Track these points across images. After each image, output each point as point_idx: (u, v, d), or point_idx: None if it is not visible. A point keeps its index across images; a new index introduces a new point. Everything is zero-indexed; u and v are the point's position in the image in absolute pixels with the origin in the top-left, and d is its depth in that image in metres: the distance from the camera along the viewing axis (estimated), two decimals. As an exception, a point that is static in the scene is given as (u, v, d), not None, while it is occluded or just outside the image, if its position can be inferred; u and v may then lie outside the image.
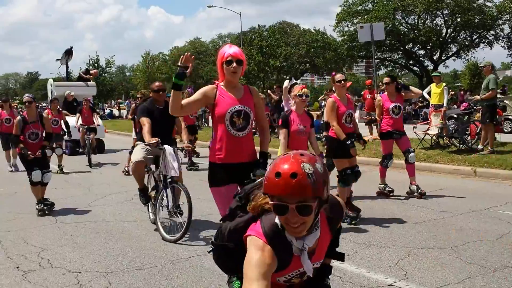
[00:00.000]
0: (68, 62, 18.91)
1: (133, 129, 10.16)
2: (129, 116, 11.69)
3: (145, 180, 6.50)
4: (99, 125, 14.47)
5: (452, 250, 5.07)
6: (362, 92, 20.72)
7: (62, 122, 12.68)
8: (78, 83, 17.79)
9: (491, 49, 38.99)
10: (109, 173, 11.86)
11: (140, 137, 6.31)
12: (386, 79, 8.13)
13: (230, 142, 3.91)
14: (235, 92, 3.96)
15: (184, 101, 3.91)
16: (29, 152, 7.42)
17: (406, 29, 38.94)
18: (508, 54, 36.83)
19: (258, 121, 4.19)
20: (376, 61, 27.22)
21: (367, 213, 6.84)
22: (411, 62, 42.21)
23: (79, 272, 4.76)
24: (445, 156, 10.70)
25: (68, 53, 18.50)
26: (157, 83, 6.44)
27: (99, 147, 15.24)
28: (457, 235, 5.61)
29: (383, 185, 8.04)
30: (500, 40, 37.22)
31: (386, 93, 8.08)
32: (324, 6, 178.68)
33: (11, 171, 12.55)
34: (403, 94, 8.04)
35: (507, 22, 35.93)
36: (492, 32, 37.51)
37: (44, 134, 7.88)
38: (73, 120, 14.08)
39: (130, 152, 9.47)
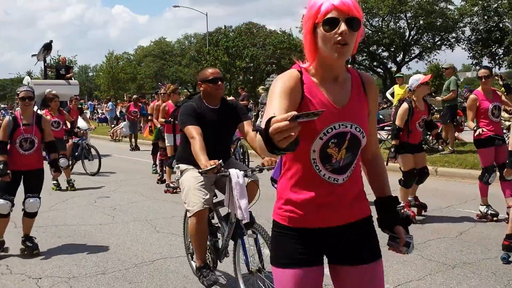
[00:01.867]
0: (46, 58, 17.16)
1: (167, 134, 8.87)
2: (154, 123, 9.88)
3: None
4: (92, 128, 13.01)
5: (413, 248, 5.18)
6: None
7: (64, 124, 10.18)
8: (59, 81, 15.91)
9: (452, 51, 40.09)
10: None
11: (186, 156, 4.01)
12: (483, 72, 6.45)
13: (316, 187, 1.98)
14: (336, 90, 1.98)
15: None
16: (8, 171, 5.24)
17: (370, 31, 39.61)
18: (469, 56, 37.92)
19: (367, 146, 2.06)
20: (341, 62, 27.62)
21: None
22: (375, 63, 43.00)
23: (40, 278, 4.65)
24: (408, 156, 10.94)
25: (47, 47, 16.60)
26: (210, 70, 4.14)
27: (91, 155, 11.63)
28: (418, 233, 5.74)
29: (485, 207, 6.39)
30: (461, 43, 38.29)
31: (480, 90, 6.47)
32: (291, 8, 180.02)
33: None
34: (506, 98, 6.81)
35: (468, 25, 37.00)
36: (453, 34, 38.56)
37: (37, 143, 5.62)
38: None
39: (169, 165, 8.64)
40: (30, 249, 5.46)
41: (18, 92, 5.48)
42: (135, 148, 17.25)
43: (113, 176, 11.08)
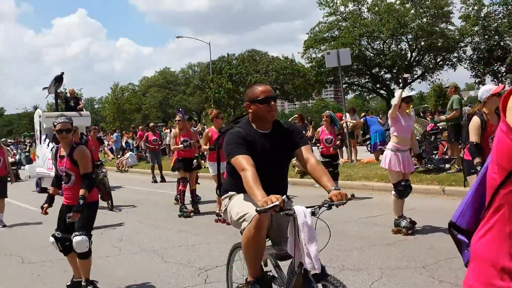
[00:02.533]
0: (58, 91, 16.59)
1: (210, 162, 8.60)
2: (175, 146, 9.40)
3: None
4: (111, 158, 12.73)
5: (424, 270, 5.11)
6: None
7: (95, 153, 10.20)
8: (70, 113, 15.18)
9: (454, 70, 40.21)
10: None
11: (235, 189, 3.52)
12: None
13: None
14: None
15: None
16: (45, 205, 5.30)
17: (372, 54, 39.91)
18: (471, 75, 38.01)
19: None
20: (344, 85, 27.73)
21: (339, 236, 6.85)
22: (378, 85, 43.16)
23: (47, 312, 4.59)
24: (414, 176, 10.84)
25: (58, 80, 16.14)
26: (260, 87, 3.46)
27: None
28: (428, 254, 5.66)
29: None
30: (463, 62, 38.45)
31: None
32: (292, 34, 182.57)
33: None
34: None
35: (469, 44, 37.21)
36: (455, 54, 38.76)
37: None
38: None
39: (220, 194, 8.04)
40: None
41: (55, 124, 5.07)
42: (162, 179, 15.85)
43: (121, 207, 11.05)
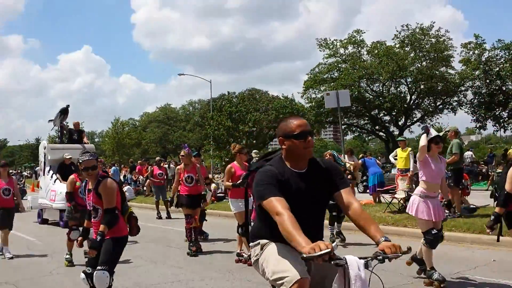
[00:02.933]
0: (63, 123, 16.39)
1: (232, 199, 8.14)
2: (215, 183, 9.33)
3: None
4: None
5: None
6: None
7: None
8: (75, 146, 15.42)
9: (455, 114, 39.97)
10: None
11: (267, 236, 3.13)
12: None
13: None
14: None
15: None
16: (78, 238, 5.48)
17: (371, 96, 40.24)
18: (472, 120, 37.92)
19: None
20: (343, 126, 27.96)
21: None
22: (377, 127, 43.33)
23: None
24: (413, 219, 10.71)
25: (64, 112, 16.01)
26: (296, 121, 3.14)
27: None
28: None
29: None
30: (464, 106, 38.42)
31: None
32: (292, 75, 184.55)
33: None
34: None
35: (470, 89, 37.25)
36: (455, 98, 38.84)
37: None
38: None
39: (243, 234, 7.38)
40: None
41: (81, 161, 5.04)
42: (168, 216, 15.27)
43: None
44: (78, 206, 8.34)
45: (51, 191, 14.36)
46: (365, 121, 43.30)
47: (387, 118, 41.94)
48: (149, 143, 61.61)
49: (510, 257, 7.87)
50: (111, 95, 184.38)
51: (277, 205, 2.83)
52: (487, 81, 34.44)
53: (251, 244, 3.26)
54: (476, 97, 36.52)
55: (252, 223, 6.55)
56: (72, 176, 8.75)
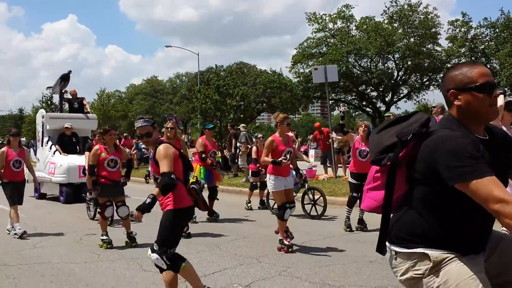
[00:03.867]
0: (63, 90, 15.34)
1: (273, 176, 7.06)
2: None
3: None
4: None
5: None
6: (313, 134, 21.54)
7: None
8: (76, 115, 14.52)
9: (441, 91, 40.69)
10: (57, 212, 11.40)
11: (443, 235, 2.22)
12: None
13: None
14: None
15: None
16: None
17: (359, 72, 40.23)
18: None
19: None
20: (330, 101, 27.92)
21: (321, 251, 6.83)
22: (364, 103, 43.47)
23: (20, 318, 4.46)
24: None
25: (64, 79, 15.02)
26: (477, 69, 2.29)
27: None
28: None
29: None
30: (450, 83, 38.92)
31: None
32: (280, 49, 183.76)
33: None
34: None
35: (456, 66, 37.72)
36: (441, 75, 39.18)
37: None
38: (80, 160, 12.06)
39: (280, 214, 6.87)
40: (131, 241, 7.36)
41: (135, 128, 4.68)
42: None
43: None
44: (102, 180, 7.57)
45: (50, 163, 13.44)
46: (353, 97, 43.41)
47: (374, 93, 42.09)
48: (135, 115, 61.04)
49: None
50: (97, 66, 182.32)
51: (496, 188, 2.01)
52: (473, 58, 34.79)
53: (401, 250, 2.31)
54: (462, 74, 36.92)
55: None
56: (96, 147, 7.77)
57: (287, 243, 6.85)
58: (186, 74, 69.95)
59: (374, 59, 39.60)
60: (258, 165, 10.63)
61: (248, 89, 39.80)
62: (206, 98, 36.00)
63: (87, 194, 10.07)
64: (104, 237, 7.43)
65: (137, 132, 4.67)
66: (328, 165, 16.28)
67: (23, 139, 46.29)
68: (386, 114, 14.85)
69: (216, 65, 46.22)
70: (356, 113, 54.85)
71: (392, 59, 39.52)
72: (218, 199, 10.07)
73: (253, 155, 11.12)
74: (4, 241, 8.02)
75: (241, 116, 40.08)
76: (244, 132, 17.18)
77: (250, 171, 11.80)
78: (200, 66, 46.68)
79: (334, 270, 5.87)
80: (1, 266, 6.38)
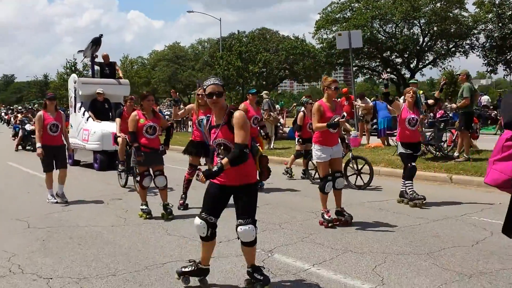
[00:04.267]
0: (94, 55, 14.73)
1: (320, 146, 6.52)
2: None
3: None
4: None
5: (428, 256, 5.09)
6: (339, 100, 21.14)
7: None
8: (108, 81, 14.00)
9: (466, 58, 39.67)
10: (84, 177, 11.65)
11: None
12: None
13: None
14: None
15: None
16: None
17: (383, 37, 39.43)
18: (483, 63, 37.53)
19: None
20: (354, 68, 27.53)
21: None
22: (388, 70, 42.75)
23: (51, 278, 4.63)
24: (422, 163, 10.79)
25: (96, 42, 14.40)
26: None
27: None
28: (433, 241, 5.64)
29: None
30: (476, 50, 37.94)
31: None
32: (304, 14, 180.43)
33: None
34: None
35: (482, 32, 36.66)
36: (468, 41, 38.22)
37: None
38: (111, 127, 11.59)
39: (322, 185, 6.49)
40: (167, 214, 6.99)
41: (205, 87, 4.16)
42: None
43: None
44: (142, 148, 7.08)
45: (84, 130, 13.15)
46: (377, 63, 42.69)
47: (399, 60, 41.33)
48: (158, 82, 61.27)
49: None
50: (119, 32, 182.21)
51: None
52: (500, 24, 33.79)
53: None
54: (488, 41, 36.02)
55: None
56: (134, 113, 7.24)
57: (327, 217, 6.43)
58: (208, 40, 69.59)
59: (399, 25, 38.72)
60: (300, 132, 10.37)
61: (270, 56, 39.46)
62: (228, 65, 35.84)
63: (119, 165, 10.12)
64: (144, 207, 7.17)
65: (206, 91, 4.12)
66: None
67: (21, 107, 46.67)
68: (411, 81, 14.54)
69: (238, 31, 45.89)
70: (380, 80, 54.00)
71: (418, 24, 38.60)
72: None
73: (299, 122, 10.51)
74: (33, 205, 8.25)
75: (264, 83, 39.84)
76: (267, 99, 17.10)
77: (296, 139, 10.98)
78: (222, 32, 46.30)
79: (356, 237, 5.89)
80: (31, 229, 6.58)
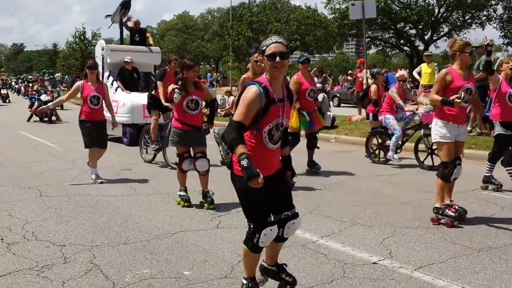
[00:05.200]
0: (123, 19, 13.36)
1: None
2: None
3: None
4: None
5: (437, 230, 5.10)
6: (354, 72, 20.77)
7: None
8: (139, 48, 12.90)
9: (483, 30, 38.63)
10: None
11: None
12: None
13: None
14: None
15: None
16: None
17: (398, 8, 38.66)
18: (500, 36, 36.73)
19: None
20: (366, 39, 27.08)
21: (353, 192, 6.86)
22: (401, 41, 42.03)
23: (64, 245, 4.71)
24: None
25: (125, 6, 13.18)
26: None
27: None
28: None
29: None
30: (493, 21, 37.07)
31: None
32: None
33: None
34: None
35: (500, 3, 35.74)
36: (484, 12, 37.34)
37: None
38: (142, 98, 10.85)
39: (447, 172, 5.46)
40: (208, 203, 6.02)
41: (265, 47, 3.20)
42: None
43: (135, 149, 11.15)
44: (180, 125, 6.16)
45: (112, 101, 10.67)
46: (390, 35, 41.95)
47: (413, 32, 40.57)
48: (167, 52, 60.99)
49: None
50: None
51: None
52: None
53: None
54: (506, 12, 35.02)
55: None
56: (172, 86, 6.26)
57: (451, 213, 5.27)
58: (218, 10, 68.95)
59: (414, -6, 37.89)
60: (378, 107, 9.31)
61: (282, 26, 38.94)
62: (238, 35, 35.51)
63: (152, 144, 9.24)
64: (182, 193, 6.26)
65: (263, 53, 3.23)
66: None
67: (58, 74, 46.36)
68: (425, 54, 14.32)
69: (249, 0, 45.14)
70: (393, 52, 53.21)
71: (434, -6, 37.73)
72: (318, 148, 8.30)
73: (372, 95, 9.56)
74: (46, 174, 8.34)
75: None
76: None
77: (370, 114, 9.91)
78: (232, 1, 45.64)
79: (365, 210, 5.91)
80: (43, 197, 6.67)
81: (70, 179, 7.91)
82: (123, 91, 11.85)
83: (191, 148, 6.28)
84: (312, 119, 7.88)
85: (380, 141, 9.33)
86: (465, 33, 39.19)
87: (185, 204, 6.16)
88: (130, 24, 13.46)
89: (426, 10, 37.36)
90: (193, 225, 5.36)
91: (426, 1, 38.18)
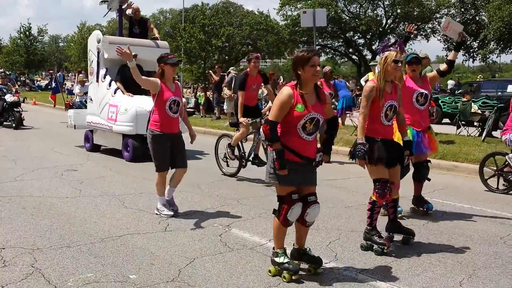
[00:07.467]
0: (123, 8, 11.31)
1: None
2: None
3: None
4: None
5: (382, 233, 5.24)
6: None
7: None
8: (143, 42, 10.76)
9: (428, 41, 40.56)
10: (37, 146, 11.31)
11: None
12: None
13: None
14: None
15: None
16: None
17: (347, 17, 39.64)
18: (443, 48, 38.38)
19: None
20: (317, 47, 27.61)
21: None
22: (350, 50, 43.13)
23: (3, 248, 4.52)
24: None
25: None
26: None
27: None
28: (385, 218, 5.81)
29: None
30: (437, 33, 38.71)
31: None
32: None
33: None
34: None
35: (445, 16, 37.42)
36: (430, 25, 38.96)
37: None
38: (148, 103, 8.48)
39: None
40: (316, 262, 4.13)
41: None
42: None
43: (81, 149, 10.85)
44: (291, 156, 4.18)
45: (110, 106, 9.81)
46: (340, 43, 42.95)
47: (361, 41, 41.70)
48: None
49: (467, 182, 8.27)
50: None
51: None
52: (462, 9, 34.50)
53: None
54: (450, 25, 36.69)
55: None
56: (288, 90, 3.99)
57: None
58: (170, 11, 68.31)
59: (363, 5, 39.02)
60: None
61: (234, 30, 38.99)
62: (191, 37, 35.17)
63: (234, 159, 8.08)
64: (285, 260, 4.04)
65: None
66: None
67: (1, 70, 44.11)
68: (371, 63, 14.77)
69: (202, 2, 44.95)
70: (342, 60, 54.47)
71: (382, 6, 39.00)
72: (429, 180, 6.47)
73: None
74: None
75: (226, 57, 39.44)
76: (235, 74, 16.96)
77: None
78: (185, 3, 45.33)
79: (312, 214, 5.99)
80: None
81: (11, 179, 7.60)
82: (124, 93, 9.81)
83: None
84: (422, 140, 5.93)
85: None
86: (411, 44, 40.73)
87: (293, 277, 3.98)
88: (129, 12, 11.36)
89: (375, 20, 38.57)
90: (140, 228, 5.27)
91: (375, 12, 39.43)
